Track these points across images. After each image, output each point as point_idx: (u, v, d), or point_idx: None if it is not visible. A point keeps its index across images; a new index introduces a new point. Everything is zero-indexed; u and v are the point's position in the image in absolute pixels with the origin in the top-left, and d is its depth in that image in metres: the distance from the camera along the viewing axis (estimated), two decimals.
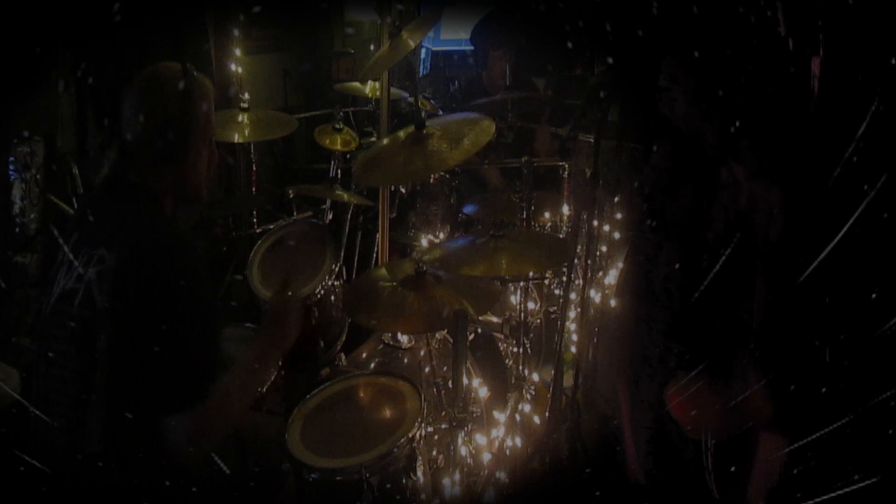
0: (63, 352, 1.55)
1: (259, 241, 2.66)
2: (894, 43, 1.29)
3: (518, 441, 2.54)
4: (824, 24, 1.39)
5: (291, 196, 3.09)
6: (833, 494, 1.37)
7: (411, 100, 3.89)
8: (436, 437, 2.20)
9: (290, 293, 1.94)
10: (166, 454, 1.49)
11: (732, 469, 1.65)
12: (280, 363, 2.25)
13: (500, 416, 2.56)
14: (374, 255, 3.14)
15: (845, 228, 1.30)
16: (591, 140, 2.35)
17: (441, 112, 4.15)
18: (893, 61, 1.26)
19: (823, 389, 1.42)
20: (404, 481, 1.89)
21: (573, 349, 2.71)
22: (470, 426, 2.21)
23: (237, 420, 1.66)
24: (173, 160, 1.65)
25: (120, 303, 1.49)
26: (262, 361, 1.72)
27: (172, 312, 1.49)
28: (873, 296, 1.34)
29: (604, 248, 3.36)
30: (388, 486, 1.86)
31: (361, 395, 2.10)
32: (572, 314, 2.65)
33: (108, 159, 1.65)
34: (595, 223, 2.46)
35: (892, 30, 1.30)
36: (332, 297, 2.51)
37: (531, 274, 2.81)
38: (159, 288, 1.49)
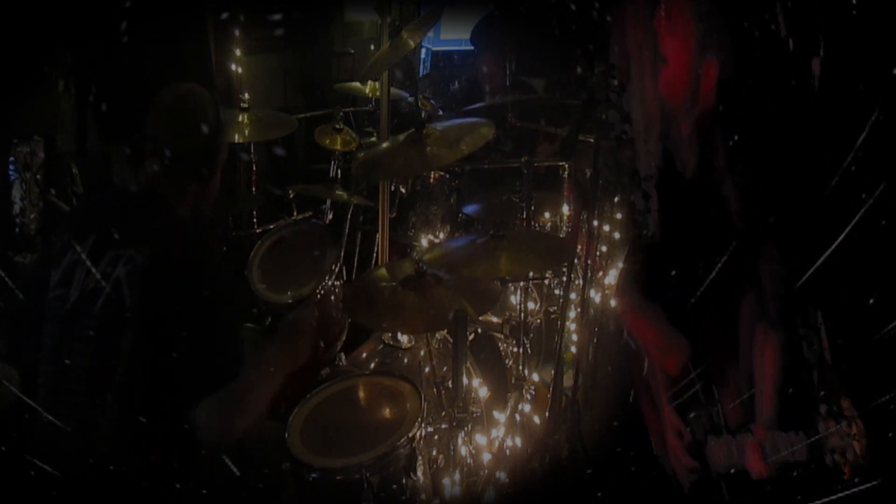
0: (81, 352, 1.55)
1: (259, 241, 2.66)
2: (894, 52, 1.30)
3: (518, 441, 2.54)
4: (825, 32, 1.40)
5: (291, 196, 3.09)
6: (833, 497, 1.38)
7: (411, 100, 3.89)
8: (436, 437, 2.20)
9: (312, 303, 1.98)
10: (190, 448, 1.51)
11: None
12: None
13: (500, 416, 2.57)
14: (374, 255, 3.14)
15: (844, 234, 1.30)
16: (591, 140, 2.36)
17: (441, 112, 4.15)
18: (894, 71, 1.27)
19: (822, 392, 1.43)
20: (404, 481, 1.89)
21: (573, 349, 2.71)
22: (470, 426, 2.21)
23: (251, 421, 1.67)
24: (206, 179, 1.73)
25: (150, 302, 1.51)
26: (276, 367, 1.73)
27: (199, 313, 1.52)
28: (871, 301, 1.35)
29: (604, 248, 3.36)
30: (389, 485, 1.87)
31: (361, 395, 2.10)
32: (572, 314, 2.65)
33: (143, 178, 1.68)
34: (595, 223, 2.47)
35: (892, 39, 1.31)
36: (332, 297, 2.51)
37: (531, 274, 2.81)
38: (188, 289, 1.51)
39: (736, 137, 1.44)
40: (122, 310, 1.52)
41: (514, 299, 2.86)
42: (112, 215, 1.67)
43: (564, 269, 2.59)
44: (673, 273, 1.72)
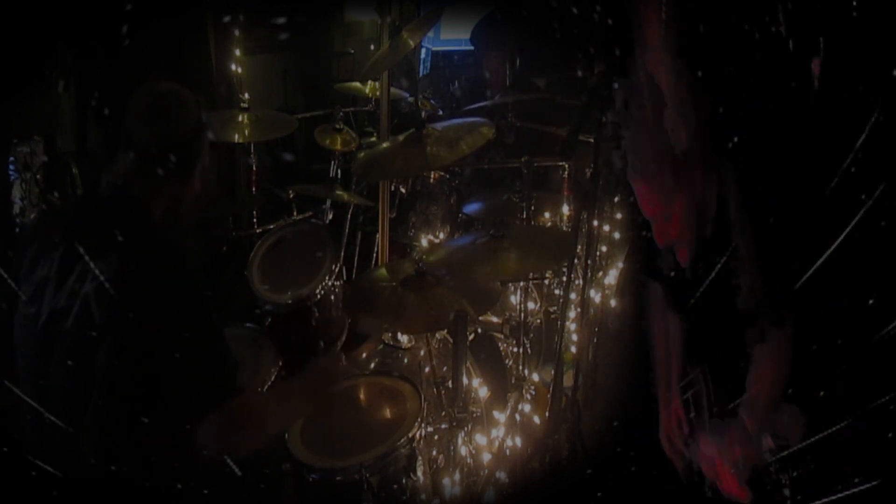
0: (56, 372, 1.51)
1: (259, 241, 2.66)
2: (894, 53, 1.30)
3: (518, 441, 2.54)
4: (825, 32, 1.40)
5: (291, 196, 3.10)
6: (833, 497, 1.38)
7: (411, 100, 3.89)
8: (436, 437, 2.21)
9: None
10: (188, 458, 1.49)
11: None
12: (280, 364, 2.25)
13: (500, 416, 2.57)
14: (374, 255, 3.14)
15: (844, 234, 1.30)
16: (591, 140, 2.36)
17: (441, 112, 4.15)
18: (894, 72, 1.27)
19: (822, 393, 1.43)
20: (404, 481, 1.89)
21: (573, 349, 2.71)
22: (470, 426, 2.21)
23: (268, 437, 1.67)
24: (181, 180, 1.66)
25: (121, 316, 1.46)
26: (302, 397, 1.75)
27: (174, 324, 1.47)
28: (870, 301, 1.35)
29: (604, 248, 3.36)
30: (389, 486, 1.87)
31: (361, 395, 2.10)
32: (572, 314, 2.65)
33: (114, 174, 1.62)
34: (595, 223, 2.46)
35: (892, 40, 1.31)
36: (332, 297, 2.51)
37: (531, 274, 2.81)
38: (160, 299, 1.47)
39: (736, 138, 1.44)
40: (92, 328, 1.47)
41: (514, 299, 2.86)
42: (81, 224, 1.60)
43: (564, 269, 2.59)
44: (673, 273, 1.73)
